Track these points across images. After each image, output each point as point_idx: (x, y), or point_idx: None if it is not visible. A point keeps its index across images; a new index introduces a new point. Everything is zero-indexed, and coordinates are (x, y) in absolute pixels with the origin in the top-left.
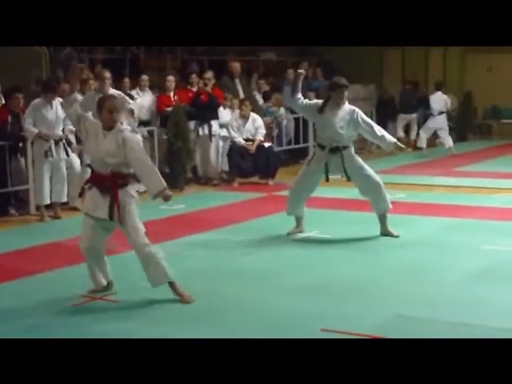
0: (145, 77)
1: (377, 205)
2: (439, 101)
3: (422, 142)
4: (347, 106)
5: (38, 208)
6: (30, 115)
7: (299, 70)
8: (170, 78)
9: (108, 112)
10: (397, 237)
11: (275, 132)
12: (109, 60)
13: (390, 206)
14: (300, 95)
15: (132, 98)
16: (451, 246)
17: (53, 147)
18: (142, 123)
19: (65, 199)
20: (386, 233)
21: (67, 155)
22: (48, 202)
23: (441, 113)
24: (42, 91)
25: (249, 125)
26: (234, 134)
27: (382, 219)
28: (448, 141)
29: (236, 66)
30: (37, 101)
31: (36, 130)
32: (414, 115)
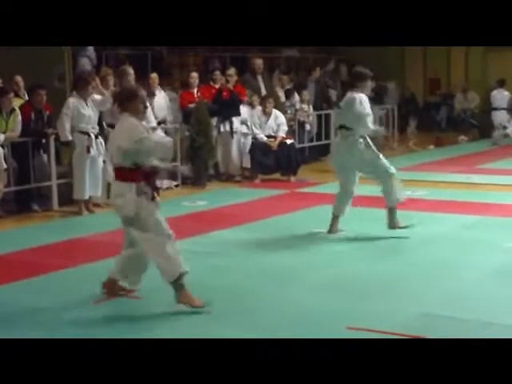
0: (154, 75)
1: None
2: (503, 97)
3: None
4: None
5: (76, 202)
6: (66, 114)
7: None
8: (194, 74)
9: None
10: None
11: (308, 127)
12: (132, 56)
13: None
14: None
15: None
16: (474, 244)
17: (93, 142)
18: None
19: (100, 194)
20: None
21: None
22: (87, 197)
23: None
24: (74, 89)
25: (271, 121)
26: (256, 130)
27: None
28: None
29: (259, 62)
30: (71, 99)
31: (70, 137)
32: None
